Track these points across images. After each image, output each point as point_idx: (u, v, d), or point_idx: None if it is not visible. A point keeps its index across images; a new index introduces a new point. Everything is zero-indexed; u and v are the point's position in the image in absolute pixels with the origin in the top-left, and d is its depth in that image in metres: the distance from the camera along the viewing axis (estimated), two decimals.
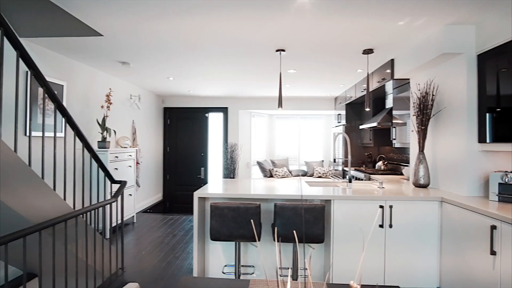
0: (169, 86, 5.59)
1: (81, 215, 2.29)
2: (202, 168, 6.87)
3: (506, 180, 2.21)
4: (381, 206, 2.49)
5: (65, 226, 2.15)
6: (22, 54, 1.87)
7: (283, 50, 3.33)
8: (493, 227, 1.90)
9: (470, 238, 2.13)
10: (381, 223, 2.50)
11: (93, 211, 2.58)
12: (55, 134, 2.20)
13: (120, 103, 5.01)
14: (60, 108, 2.24)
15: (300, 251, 2.46)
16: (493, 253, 1.90)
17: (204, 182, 6.72)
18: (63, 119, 2.35)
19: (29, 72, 2.94)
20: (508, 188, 2.20)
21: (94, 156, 2.71)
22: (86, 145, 2.57)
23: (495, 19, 2.30)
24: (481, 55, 2.46)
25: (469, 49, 2.53)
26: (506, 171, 2.24)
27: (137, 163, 5.19)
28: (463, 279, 2.20)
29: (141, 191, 5.75)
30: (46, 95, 2.12)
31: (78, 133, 2.45)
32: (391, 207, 2.49)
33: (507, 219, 1.80)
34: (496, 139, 2.32)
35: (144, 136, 5.95)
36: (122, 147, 4.70)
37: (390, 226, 2.49)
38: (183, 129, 6.92)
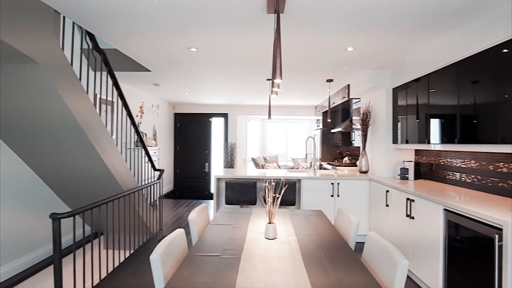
0: (181, 96, 6.97)
1: (143, 189, 3.69)
2: (206, 163, 8.27)
3: (403, 166, 3.70)
4: (332, 183, 3.96)
5: (136, 194, 3.55)
6: (120, 93, 3.26)
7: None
8: (387, 191, 3.39)
9: (379, 198, 3.62)
10: (332, 194, 3.96)
11: (146, 188, 3.98)
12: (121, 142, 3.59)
13: (146, 111, 6.38)
14: (133, 123, 3.63)
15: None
16: (387, 205, 3.39)
17: (208, 175, 8.12)
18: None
19: (97, 95, 4.28)
20: (404, 171, 3.69)
21: (147, 153, 4.11)
22: (144, 146, 3.96)
23: (400, 68, 3.78)
24: (394, 89, 3.94)
25: (387, 85, 4.02)
26: (404, 161, 3.73)
27: (158, 158, 6.56)
28: (377, 221, 3.68)
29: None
30: (128, 117, 3.51)
31: (141, 139, 3.84)
32: (338, 184, 3.96)
33: (395, 186, 3.28)
34: (401, 141, 3.80)
35: (160, 137, 7.33)
36: (148, 146, 6.08)
37: (338, 196, 3.96)
38: (190, 131, 8.32)
